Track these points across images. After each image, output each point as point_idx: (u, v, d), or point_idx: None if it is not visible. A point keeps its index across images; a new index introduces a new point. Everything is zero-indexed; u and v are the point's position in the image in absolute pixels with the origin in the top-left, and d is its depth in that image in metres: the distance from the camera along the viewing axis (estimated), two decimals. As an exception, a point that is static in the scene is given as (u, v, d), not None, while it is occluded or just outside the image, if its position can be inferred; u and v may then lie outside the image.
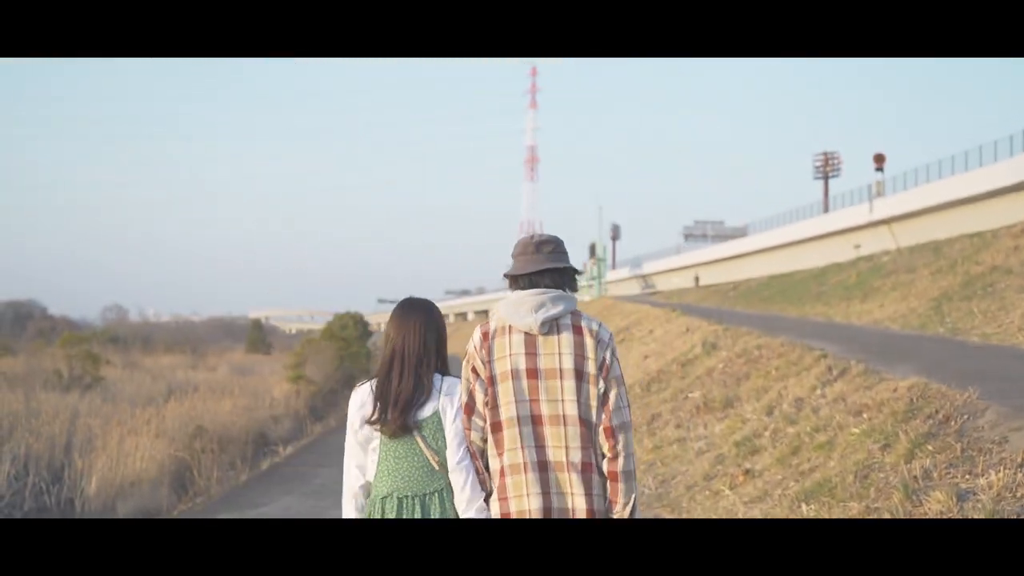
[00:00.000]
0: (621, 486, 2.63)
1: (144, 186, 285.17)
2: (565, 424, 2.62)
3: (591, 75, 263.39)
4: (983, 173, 26.32)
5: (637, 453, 9.41)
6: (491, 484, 2.69)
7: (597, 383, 2.64)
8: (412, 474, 2.64)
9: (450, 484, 2.66)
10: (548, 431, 2.62)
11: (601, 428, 2.64)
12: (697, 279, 51.94)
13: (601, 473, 2.65)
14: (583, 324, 2.68)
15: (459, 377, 2.75)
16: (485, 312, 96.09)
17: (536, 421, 2.63)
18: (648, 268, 61.88)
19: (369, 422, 2.67)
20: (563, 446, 2.61)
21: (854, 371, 8.16)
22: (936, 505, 4.29)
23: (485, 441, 2.68)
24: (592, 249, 58.40)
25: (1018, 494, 4.11)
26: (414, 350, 2.70)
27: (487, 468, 2.69)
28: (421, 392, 2.67)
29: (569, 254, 2.83)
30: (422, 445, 2.64)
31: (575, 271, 2.83)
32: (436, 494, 2.64)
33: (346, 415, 2.81)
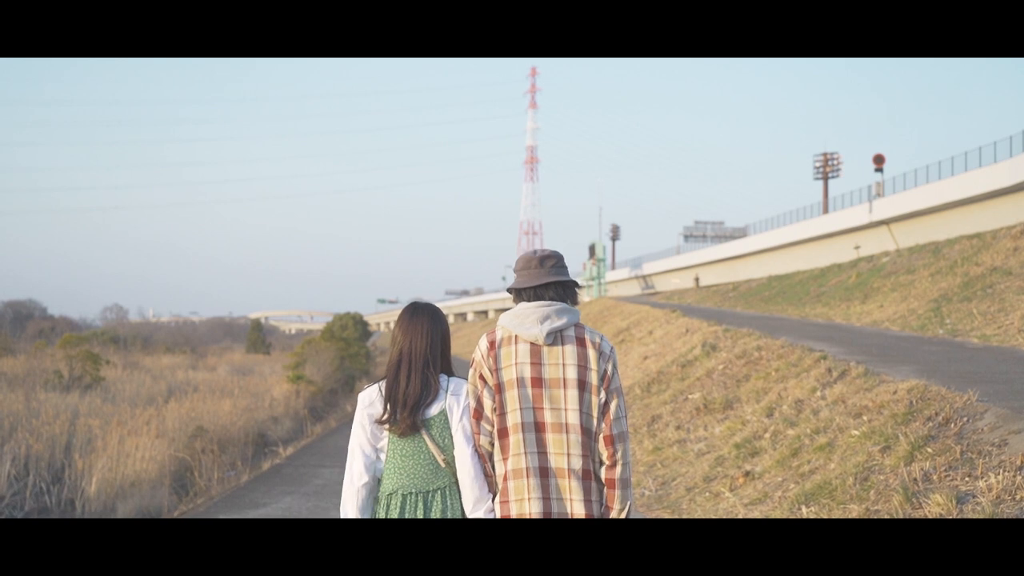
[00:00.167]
0: (618, 492, 2.71)
1: (144, 187, 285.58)
2: (567, 432, 2.70)
3: (591, 75, 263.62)
4: (983, 174, 26.31)
5: (637, 455, 9.43)
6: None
7: (598, 393, 2.73)
8: (417, 471, 2.73)
9: (453, 482, 2.75)
10: (551, 438, 2.70)
11: (601, 437, 2.72)
12: (697, 280, 51.94)
13: (599, 480, 2.72)
14: (586, 336, 2.77)
15: (463, 378, 2.85)
16: (484, 313, 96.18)
17: (540, 428, 2.71)
18: (648, 269, 61.88)
19: (379, 422, 2.76)
20: (565, 453, 2.69)
21: (854, 373, 8.16)
22: (936, 508, 4.30)
23: (493, 445, 2.76)
24: (592, 249, 58.34)
25: (1017, 497, 4.11)
26: (421, 352, 2.80)
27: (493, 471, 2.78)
28: (428, 392, 2.77)
29: (569, 268, 2.93)
30: (429, 443, 2.74)
31: (576, 284, 2.93)
32: (439, 491, 2.74)
33: (346, 415, 2.85)
